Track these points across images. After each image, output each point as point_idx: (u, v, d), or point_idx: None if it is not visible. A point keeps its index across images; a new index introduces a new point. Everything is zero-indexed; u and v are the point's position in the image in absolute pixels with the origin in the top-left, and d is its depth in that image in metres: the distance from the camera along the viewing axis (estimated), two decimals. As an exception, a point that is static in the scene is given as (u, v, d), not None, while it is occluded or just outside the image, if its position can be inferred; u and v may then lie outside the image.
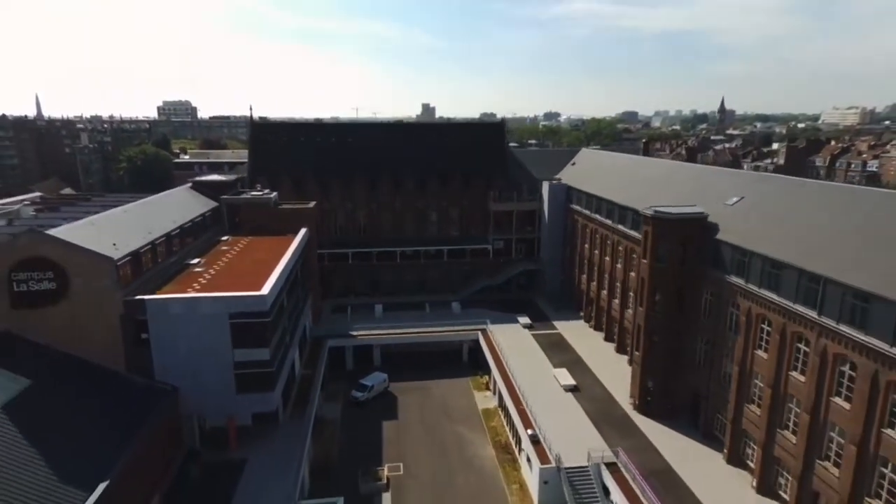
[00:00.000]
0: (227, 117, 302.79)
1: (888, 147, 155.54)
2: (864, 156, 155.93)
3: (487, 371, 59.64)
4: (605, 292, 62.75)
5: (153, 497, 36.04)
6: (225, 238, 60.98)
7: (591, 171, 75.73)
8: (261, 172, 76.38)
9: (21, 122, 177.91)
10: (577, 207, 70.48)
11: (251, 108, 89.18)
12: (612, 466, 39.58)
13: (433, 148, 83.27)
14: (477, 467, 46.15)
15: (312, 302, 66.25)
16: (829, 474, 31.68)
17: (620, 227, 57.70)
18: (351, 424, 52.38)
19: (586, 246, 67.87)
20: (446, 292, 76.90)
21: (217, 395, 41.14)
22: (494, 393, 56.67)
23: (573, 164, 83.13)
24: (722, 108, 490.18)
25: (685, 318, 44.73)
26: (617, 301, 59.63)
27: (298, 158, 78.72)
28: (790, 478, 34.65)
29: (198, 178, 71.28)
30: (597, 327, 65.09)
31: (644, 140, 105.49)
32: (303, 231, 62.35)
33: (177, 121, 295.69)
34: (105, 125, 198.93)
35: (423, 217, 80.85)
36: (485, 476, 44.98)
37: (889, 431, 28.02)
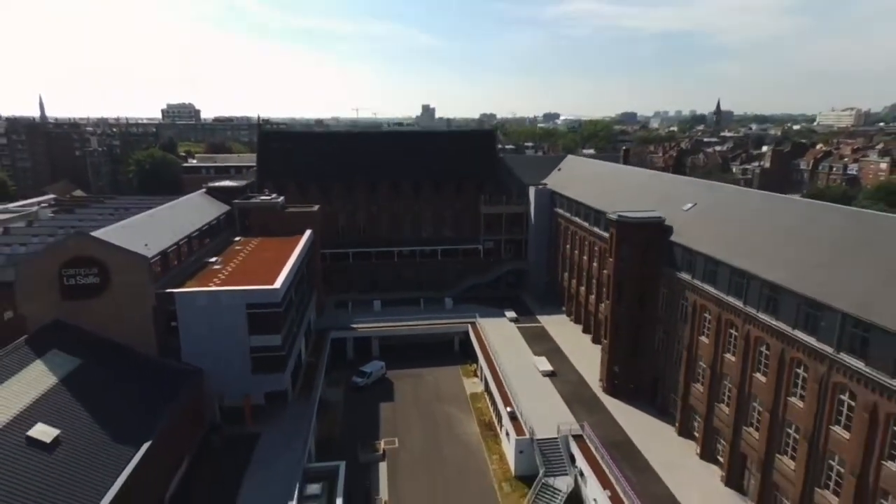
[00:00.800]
0: (230, 119, 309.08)
1: (868, 152, 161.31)
2: (846, 160, 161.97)
3: (476, 360, 65.64)
4: (583, 288, 68.86)
5: (183, 460, 42.27)
6: (237, 239, 67.17)
7: (574, 177, 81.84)
8: (268, 178, 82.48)
9: (33, 126, 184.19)
10: (561, 211, 76.60)
11: (259, 119, 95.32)
12: (578, 438, 45.67)
13: (428, 154, 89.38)
14: (463, 441, 52.26)
15: (316, 297, 72.35)
16: (752, 439, 37.77)
17: (595, 229, 63.83)
18: (352, 406, 58.48)
19: (568, 246, 73.98)
20: (440, 289, 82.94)
21: (235, 376, 47.35)
22: (481, 379, 62.74)
23: (559, 170, 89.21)
24: (718, 110, 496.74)
25: (645, 311, 50.84)
26: (593, 296, 65.75)
27: (302, 165, 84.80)
28: (724, 443, 40.77)
29: (211, 185, 77.28)
30: (576, 320, 71.20)
31: (624, 148, 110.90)
32: (308, 232, 68.49)
33: (181, 123, 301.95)
34: (113, 129, 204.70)
35: (419, 219, 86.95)
36: (470, 448, 51.10)
37: (794, 399, 34.12)
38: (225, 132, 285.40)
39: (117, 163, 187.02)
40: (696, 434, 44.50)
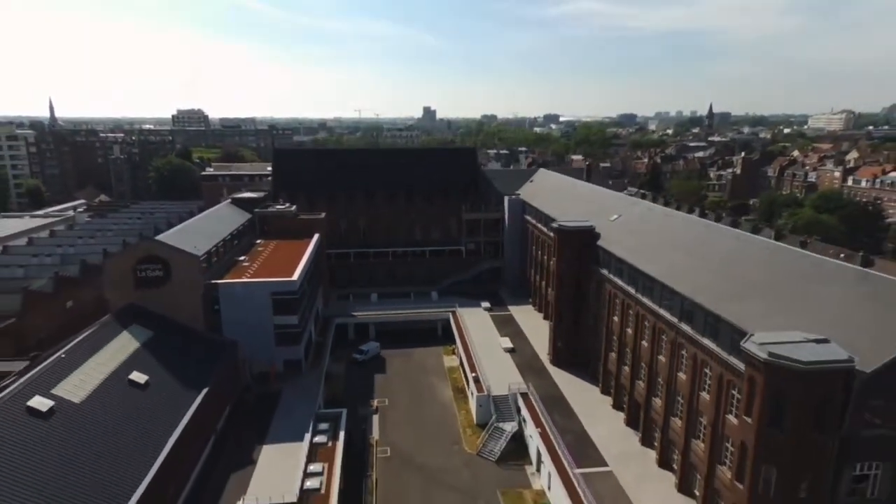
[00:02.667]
0: (238, 126, 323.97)
1: (826, 161, 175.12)
2: (807, 167, 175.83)
3: (454, 342, 79.86)
4: (543, 283, 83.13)
5: (226, 408, 56.80)
6: (259, 241, 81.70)
7: (541, 189, 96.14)
8: (282, 189, 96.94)
9: (60, 135, 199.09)
10: (529, 218, 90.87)
11: (268, 127, 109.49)
12: (524, 395, 59.92)
13: (419, 168, 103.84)
14: (439, 401, 66.57)
15: (323, 290, 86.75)
16: (642, 391, 51.98)
17: (551, 233, 78.07)
18: (352, 377, 72.81)
19: (534, 247, 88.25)
20: (428, 284, 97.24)
21: (262, 347, 61.88)
22: (458, 356, 77.03)
23: (531, 182, 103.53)
24: (710, 114, 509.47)
25: (581, 299, 65.11)
26: (551, 289, 79.97)
27: (311, 178, 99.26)
28: (626, 396, 55.07)
29: (235, 196, 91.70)
30: (539, 309, 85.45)
31: (588, 162, 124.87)
32: (316, 236, 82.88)
33: (191, 129, 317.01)
34: (133, 137, 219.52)
35: (411, 224, 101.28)
36: (444, 406, 65.42)
37: (661, 357, 48.38)
38: (234, 138, 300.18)
39: (136, 169, 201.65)
40: (611, 391, 58.81)
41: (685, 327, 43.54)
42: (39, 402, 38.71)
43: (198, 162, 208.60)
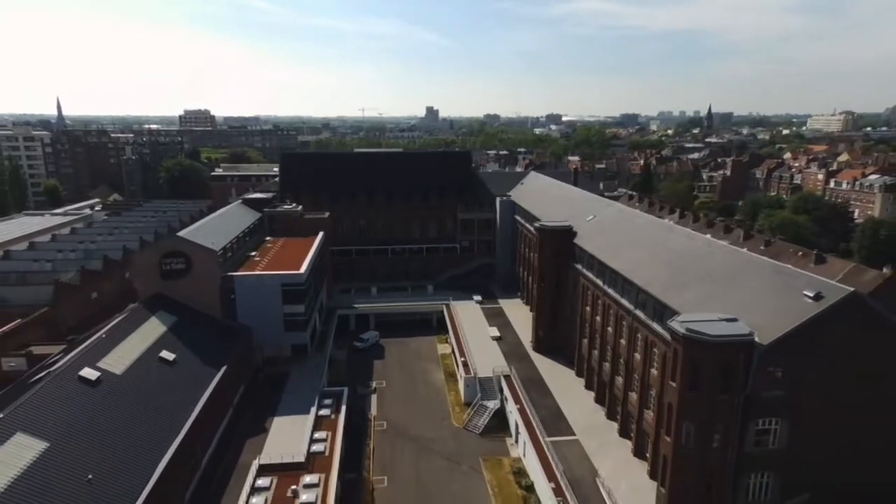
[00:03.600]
0: (243, 127, 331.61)
1: (812, 164, 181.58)
2: (792, 170, 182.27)
3: (448, 332, 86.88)
4: (530, 278, 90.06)
5: (241, 386, 63.95)
6: (268, 239, 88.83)
7: (531, 191, 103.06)
8: (289, 191, 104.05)
9: (74, 136, 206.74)
10: (518, 217, 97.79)
11: (279, 139, 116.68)
12: (507, 377, 66.89)
13: (417, 171, 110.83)
14: (432, 384, 73.61)
15: (327, 284, 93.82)
16: (607, 372, 58.85)
17: (535, 232, 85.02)
18: (353, 362, 79.89)
19: (522, 245, 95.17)
20: (424, 279, 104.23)
21: (273, 333, 68.99)
22: (450, 345, 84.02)
23: (522, 184, 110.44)
24: (709, 115, 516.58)
25: (560, 292, 72.03)
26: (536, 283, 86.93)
27: (315, 180, 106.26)
28: (596, 376, 62.01)
29: (246, 196, 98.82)
30: (526, 302, 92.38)
31: (575, 167, 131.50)
32: (320, 234, 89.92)
33: (198, 129, 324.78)
34: (143, 138, 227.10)
35: (408, 223, 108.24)
36: (436, 388, 72.45)
37: (622, 340, 55.28)
38: (239, 138, 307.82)
39: (147, 169, 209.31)
40: (584, 373, 65.78)
41: (639, 313, 50.48)
42: (89, 373, 45.93)
43: (206, 162, 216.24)
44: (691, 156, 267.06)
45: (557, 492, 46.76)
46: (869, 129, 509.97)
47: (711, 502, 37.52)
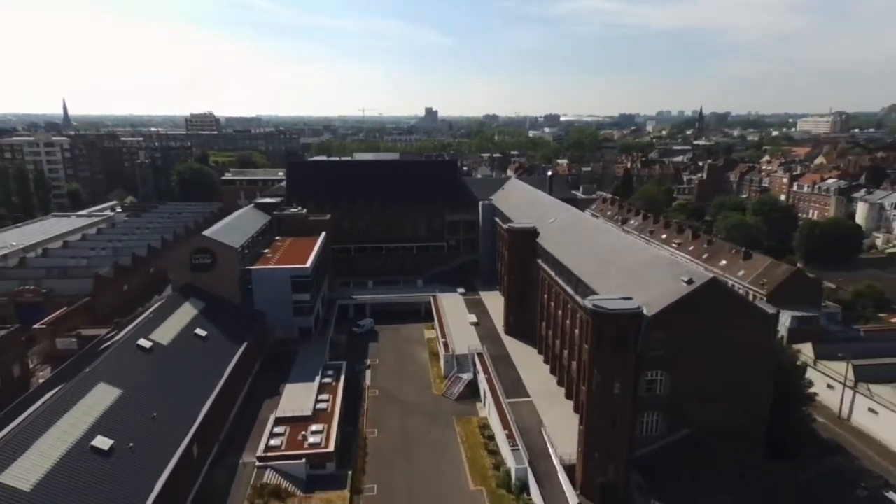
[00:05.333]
0: (247, 131, 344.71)
1: (776, 168, 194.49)
2: (762, 174, 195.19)
3: (433, 320, 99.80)
4: (503, 271, 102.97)
5: (257, 361, 77.06)
6: (277, 238, 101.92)
7: (510, 196, 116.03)
8: (294, 195, 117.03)
9: (91, 142, 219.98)
10: (497, 219, 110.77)
11: (282, 142, 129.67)
12: (480, 355, 79.86)
13: (409, 177, 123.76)
14: (418, 362, 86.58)
15: (328, 278, 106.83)
16: (558, 347, 71.77)
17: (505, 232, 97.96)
18: (351, 344, 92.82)
19: (500, 244, 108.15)
20: (415, 274, 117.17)
21: (283, 317, 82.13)
22: (435, 330, 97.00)
23: (502, 189, 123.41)
24: (700, 117, 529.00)
25: (527, 283, 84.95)
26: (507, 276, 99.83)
27: (319, 186, 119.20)
28: (551, 352, 74.98)
29: (257, 201, 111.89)
30: (503, 294, 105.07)
31: (549, 173, 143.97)
32: (323, 234, 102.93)
33: (204, 133, 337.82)
34: (155, 143, 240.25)
35: (402, 224, 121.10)
36: (421, 365, 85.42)
37: (567, 321, 68.21)
38: (244, 141, 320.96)
39: (158, 172, 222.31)
40: (543, 350, 78.81)
41: (577, 297, 63.51)
42: (144, 342, 59.07)
43: (214, 165, 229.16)
44: (676, 158, 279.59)
45: (510, 437, 59.80)
46: (857, 130, 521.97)
47: (615, 435, 50.46)
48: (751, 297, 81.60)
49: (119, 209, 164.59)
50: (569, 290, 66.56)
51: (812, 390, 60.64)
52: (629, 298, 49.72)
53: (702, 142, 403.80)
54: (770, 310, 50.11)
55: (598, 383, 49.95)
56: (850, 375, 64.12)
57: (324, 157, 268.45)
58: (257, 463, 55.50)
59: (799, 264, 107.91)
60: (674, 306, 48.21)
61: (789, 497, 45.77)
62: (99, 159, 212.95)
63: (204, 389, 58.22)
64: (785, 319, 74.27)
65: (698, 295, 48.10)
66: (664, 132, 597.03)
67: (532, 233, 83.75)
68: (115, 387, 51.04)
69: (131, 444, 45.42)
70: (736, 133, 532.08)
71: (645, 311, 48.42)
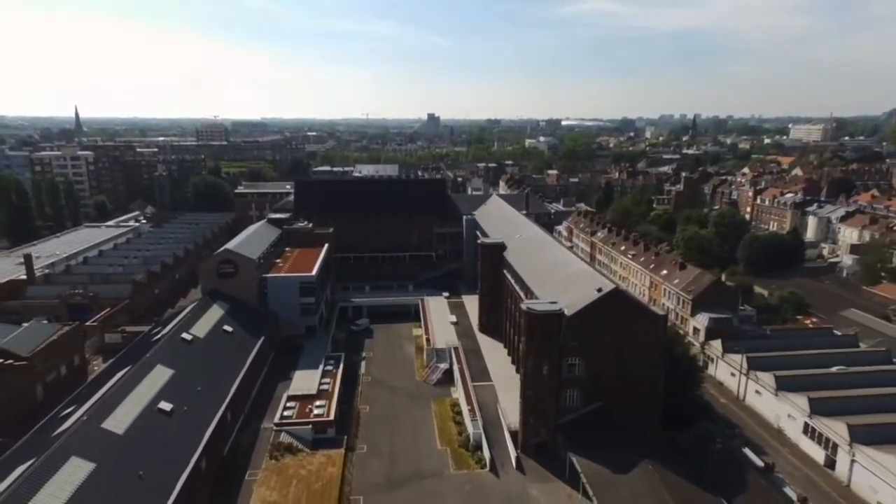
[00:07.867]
0: (255, 141, 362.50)
1: (742, 181, 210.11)
2: (732, 186, 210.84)
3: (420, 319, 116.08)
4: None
5: (271, 353, 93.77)
6: (287, 249, 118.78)
7: (490, 212, 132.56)
8: (302, 211, 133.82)
9: (113, 156, 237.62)
10: (478, 232, 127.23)
11: (289, 151, 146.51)
12: (455, 349, 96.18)
13: (402, 194, 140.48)
14: (406, 354, 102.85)
15: (331, 283, 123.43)
16: (516, 341, 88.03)
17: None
18: (350, 340, 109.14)
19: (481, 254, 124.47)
20: (406, 279, 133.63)
21: (293, 317, 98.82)
22: (421, 328, 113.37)
23: (485, 205, 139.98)
24: (693, 124, 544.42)
25: (497, 289, 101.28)
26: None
27: (323, 202, 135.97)
28: (512, 346, 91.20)
29: (270, 216, 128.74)
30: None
31: (526, 191, 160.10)
32: (326, 245, 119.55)
33: (214, 144, 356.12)
34: (172, 156, 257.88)
35: (395, 235, 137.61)
36: (408, 356, 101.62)
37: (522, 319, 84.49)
38: (252, 151, 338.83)
39: (175, 183, 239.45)
40: (508, 344, 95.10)
41: (526, 298, 79.88)
42: (186, 336, 75.82)
43: (225, 177, 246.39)
44: (662, 168, 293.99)
45: (471, 411, 76.17)
46: (847, 138, 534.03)
47: (545, 406, 66.76)
48: (681, 302, 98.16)
49: (143, 219, 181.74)
50: (522, 294, 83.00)
51: (719, 378, 76.69)
52: (554, 302, 66.16)
53: (692, 150, 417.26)
54: (660, 312, 66.46)
55: (530, 366, 66.35)
56: (745, 365, 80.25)
57: (327, 168, 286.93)
58: (275, 428, 72.07)
59: (741, 273, 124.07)
60: (586, 309, 64.59)
61: (665, 450, 62.02)
62: (120, 172, 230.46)
63: (233, 371, 74.91)
64: (704, 320, 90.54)
65: (604, 301, 64.51)
66: (661, 138, 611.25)
67: (500, 247, 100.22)
68: (169, 368, 67.73)
69: (185, 408, 62.13)
70: (729, 140, 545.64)
71: (566, 312, 64.83)
